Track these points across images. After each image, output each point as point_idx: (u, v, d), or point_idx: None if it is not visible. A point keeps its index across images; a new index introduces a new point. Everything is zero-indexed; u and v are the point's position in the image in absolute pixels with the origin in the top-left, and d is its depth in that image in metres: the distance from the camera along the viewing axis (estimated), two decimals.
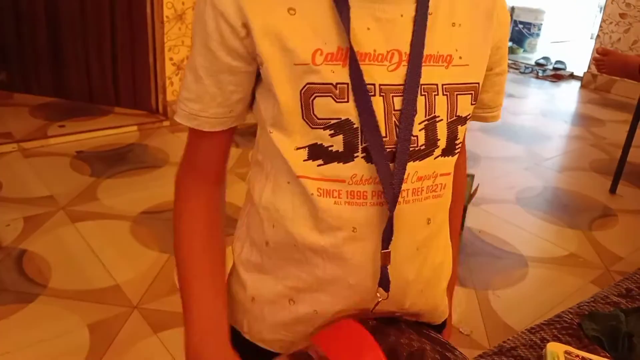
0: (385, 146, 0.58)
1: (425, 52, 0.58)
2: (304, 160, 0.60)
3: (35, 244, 1.89)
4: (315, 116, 0.58)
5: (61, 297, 1.66)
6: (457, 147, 0.63)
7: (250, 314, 0.69)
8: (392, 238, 0.60)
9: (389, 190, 0.59)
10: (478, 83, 0.63)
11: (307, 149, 0.60)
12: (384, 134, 0.58)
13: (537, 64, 5.38)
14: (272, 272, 0.66)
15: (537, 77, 5.17)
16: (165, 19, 2.83)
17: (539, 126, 3.81)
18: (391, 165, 0.59)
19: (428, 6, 0.58)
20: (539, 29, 6.06)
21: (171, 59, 2.95)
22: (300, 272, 0.64)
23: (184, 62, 2.99)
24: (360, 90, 0.57)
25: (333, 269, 0.62)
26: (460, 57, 0.60)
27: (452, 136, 0.61)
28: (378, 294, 0.63)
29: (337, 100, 0.57)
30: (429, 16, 0.58)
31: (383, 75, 0.58)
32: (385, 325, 0.67)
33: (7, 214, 2.00)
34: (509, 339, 0.92)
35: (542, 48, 6.06)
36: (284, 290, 0.65)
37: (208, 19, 0.57)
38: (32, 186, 2.22)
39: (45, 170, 2.38)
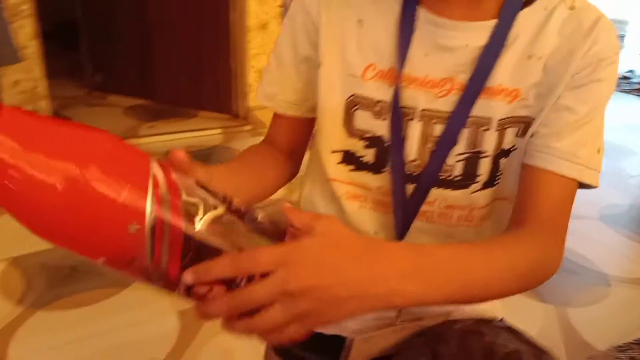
0: (414, 169, 0.60)
1: (487, 84, 0.56)
2: (337, 163, 0.64)
3: None
4: (354, 126, 0.62)
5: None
6: (497, 178, 0.61)
7: None
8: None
9: (398, 212, 0.60)
10: (533, 118, 0.58)
11: (342, 153, 0.63)
12: (414, 158, 0.59)
13: (622, 77, 5.15)
14: None
15: (622, 91, 4.95)
16: (248, 28, 2.95)
17: (623, 141, 3.65)
18: (412, 187, 0.60)
19: (507, 37, 0.56)
20: (623, 41, 5.80)
21: (253, 66, 3.06)
22: None
23: None
24: (396, 113, 0.58)
25: None
26: (528, 93, 0.57)
27: (495, 170, 0.60)
28: None
29: (376, 116, 0.60)
30: (504, 48, 0.56)
31: (429, 100, 0.58)
32: (481, 325, 0.69)
33: None
34: (593, 355, 0.91)
35: (627, 60, 5.79)
36: None
37: (297, 14, 0.63)
38: None
39: None
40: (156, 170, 0.39)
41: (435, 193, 0.60)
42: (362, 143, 0.62)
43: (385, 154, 0.61)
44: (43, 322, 1.58)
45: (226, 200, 0.42)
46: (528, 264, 0.53)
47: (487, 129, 0.58)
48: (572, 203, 0.58)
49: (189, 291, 0.40)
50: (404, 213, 0.60)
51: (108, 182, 0.36)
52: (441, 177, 0.59)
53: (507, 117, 0.57)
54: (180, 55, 3.12)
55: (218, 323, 0.43)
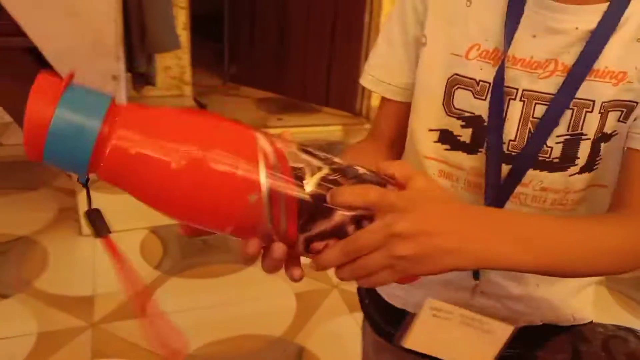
0: (511, 150, 0.59)
1: (594, 66, 0.56)
2: (434, 142, 0.64)
3: None
4: (453, 105, 0.61)
5: None
6: (596, 163, 0.59)
7: None
8: None
9: (490, 193, 0.60)
10: (637, 102, 0.56)
11: (438, 132, 0.63)
12: (513, 137, 0.59)
13: None
14: None
15: None
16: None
17: None
18: (507, 168, 0.59)
19: (619, 20, 0.55)
20: None
21: None
22: None
23: None
24: (497, 93, 0.58)
25: None
26: (634, 75, 0.55)
27: (594, 154, 0.58)
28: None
29: (476, 96, 0.60)
30: (614, 32, 0.55)
31: (531, 81, 0.57)
32: (625, 332, 0.68)
33: None
34: None
35: None
36: None
37: None
38: None
39: None
40: (262, 142, 0.41)
41: (531, 175, 0.59)
42: (459, 122, 0.62)
43: (482, 134, 0.61)
44: (176, 287, 1.74)
45: (328, 161, 0.44)
46: (628, 246, 0.52)
47: (590, 111, 0.56)
48: None
49: (307, 248, 0.44)
50: (497, 194, 0.60)
51: (225, 160, 0.39)
52: (539, 159, 0.59)
53: (612, 100, 0.56)
54: (312, 54, 3.24)
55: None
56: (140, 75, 1.92)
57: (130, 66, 1.88)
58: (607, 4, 0.55)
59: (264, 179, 0.40)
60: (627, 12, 0.54)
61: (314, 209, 0.41)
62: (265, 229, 0.41)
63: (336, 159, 0.45)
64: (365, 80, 0.69)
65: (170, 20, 1.85)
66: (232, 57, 3.44)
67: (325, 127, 3.07)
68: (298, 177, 0.41)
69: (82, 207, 1.89)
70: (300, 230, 0.42)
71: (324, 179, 0.42)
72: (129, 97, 2.06)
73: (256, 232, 0.42)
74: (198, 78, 3.34)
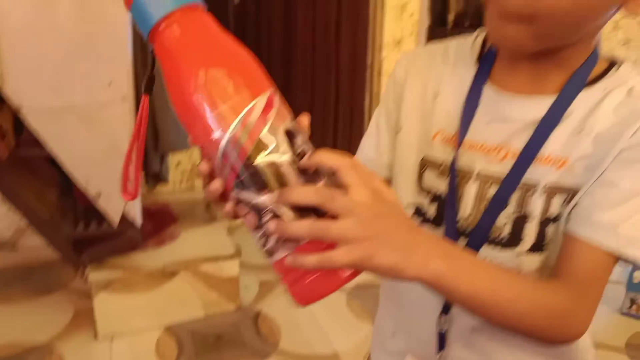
0: (466, 226, 0.64)
1: (539, 152, 0.60)
2: (411, 215, 0.69)
3: (269, 306, 2.14)
4: (423, 184, 0.68)
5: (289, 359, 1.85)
6: (544, 245, 0.62)
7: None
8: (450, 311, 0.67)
9: None
10: (579, 189, 0.60)
11: (414, 206, 0.69)
12: (467, 215, 0.64)
13: None
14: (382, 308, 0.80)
15: None
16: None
17: None
18: (465, 241, 0.64)
19: (564, 111, 0.60)
20: None
21: None
22: (396, 310, 0.75)
23: None
24: (453, 174, 0.64)
25: (408, 312, 0.72)
26: (575, 163, 0.60)
27: (540, 235, 0.62)
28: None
29: (439, 176, 0.67)
30: (560, 122, 0.60)
31: (486, 164, 0.63)
32: None
33: (246, 278, 2.31)
34: None
35: None
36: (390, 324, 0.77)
37: (390, 85, 0.73)
38: None
39: None
40: (260, 101, 0.46)
41: (485, 251, 0.63)
42: (427, 199, 0.68)
43: (444, 210, 0.66)
44: None
45: (298, 155, 0.46)
46: (550, 305, 0.56)
47: (535, 194, 0.61)
48: (607, 276, 0.59)
49: (237, 205, 0.48)
50: None
51: (219, 90, 0.45)
52: (491, 236, 0.63)
53: (554, 184, 0.60)
54: (317, 137, 3.31)
55: None
56: (153, 174, 1.97)
57: (144, 166, 1.94)
58: (555, 96, 0.60)
59: (232, 126, 0.45)
60: (573, 105, 0.60)
61: (251, 178, 0.45)
62: (215, 163, 0.47)
63: (304, 157, 0.47)
64: (358, 158, 0.76)
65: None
66: None
67: None
68: (258, 147, 0.45)
69: (99, 309, 1.90)
70: (234, 186, 0.47)
71: (275, 164, 0.45)
72: (142, 195, 2.12)
73: (211, 161, 0.47)
74: None
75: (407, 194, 0.70)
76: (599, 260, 0.57)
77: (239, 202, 0.47)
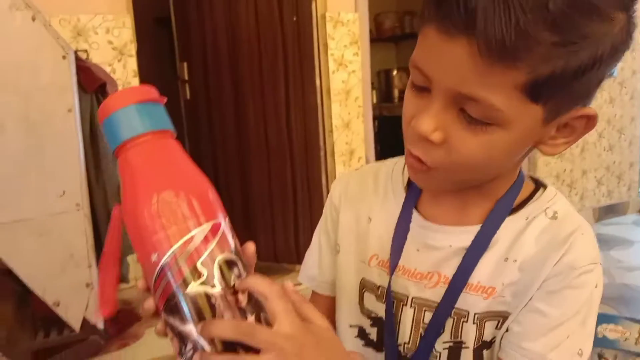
0: (406, 352, 0.65)
1: (468, 280, 0.62)
2: (354, 337, 0.71)
3: None
4: (365, 306, 0.70)
5: None
6: None
7: None
8: None
9: None
10: (510, 313, 0.62)
11: (357, 328, 0.71)
12: (407, 340, 0.65)
13: None
14: None
15: None
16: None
17: None
18: None
19: (490, 240, 0.61)
20: None
21: None
22: None
23: None
24: (389, 299, 0.65)
25: None
26: (503, 291, 0.61)
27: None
28: None
29: (377, 299, 0.68)
30: (485, 251, 0.61)
31: (419, 290, 0.64)
32: None
33: None
34: None
35: None
36: None
37: (328, 206, 0.76)
38: None
39: None
40: (201, 231, 0.46)
41: None
42: (369, 322, 0.69)
43: (384, 334, 0.67)
44: None
45: (229, 287, 0.46)
46: None
47: (466, 321, 0.62)
48: None
49: (168, 327, 0.48)
50: None
51: (164, 216, 0.46)
52: None
53: (485, 312, 0.62)
54: (278, 217, 3.38)
55: None
56: None
57: None
58: (480, 225, 0.62)
59: (167, 255, 0.46)
60: (498, 234, 0.62)
61: (176, 306, 0.46)
62: (149, 285, 0.48)
63: (240, 294, 0.46)
64: (301, 278, 0.78)
65: None
66: None
67: (299, 286, 3.10)
68: (188, 277, 0.45)
69: None
70: (163, 310, 0.47)
71: (203, 295, 0.45)
72: None
73: (149, 282, 0.48)
74: None
75: (349, 316, 0.71)
76: None
77: (167, 325, 0.48)
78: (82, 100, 1.79)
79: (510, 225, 0.62)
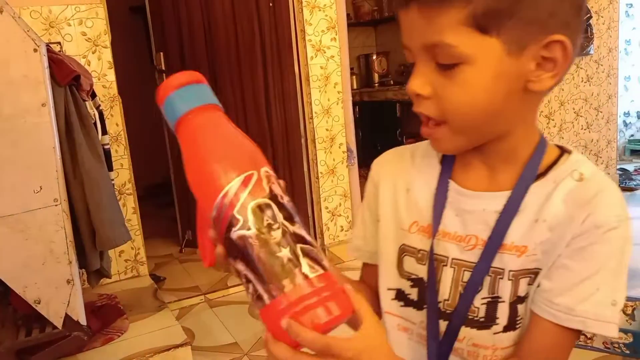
0: (446, 308, 0.70)
1: (503, 241, 0.67)
2: (392, 299, 0.76)
3: None
4: (403, 269, 0.75)
5: None
6: (518, 323, 0.68)
7: None
8: None
9: (431, 343, 0.70)
10: (541, 269, 0.66)
11: (395, 291, 0.76)
12: (447, 297, 0.70)
13: None
14: None
15: None
16: (320, 174, 3.19)
17: None
18: (445, 323, 0.70)
19: (520, 204, 0.66)
20: None
21: (326, 207, 3.26)
22: None
23: (337, 209, 3.29)
24: (431, 260, 0.71)
25: None
26: (534, 249, 0.66)
27: (513, 315, 0.68)
28: None
29: (418, 262, 0.73)
30: (517, 214, 0.66)
31: (458, 252, 0.70)
32: None
33: None
34: None
35: None
36: None
37: (369, 183, 0.82)
38: (219, 334, 2.51)
39: (228, 318, 2.67)
40: (233, 185, 0.53)
41: (464, 331, 0.69)
42: (409, 283, 0.74)
43: (425, 293, 0.72)
44: None
45: (262, 228, 0.53)
46: None
47: (502, 278, 0.67)
48: (569, 350, 0.66)
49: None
50: (439, 347, 0.70)
51: (211, 174, 0.55)
52: (469, 317, 0.69)
53: (519, 270, 0.66)
54: None
55: None
56: (94, 271, 1.96)
57: (84, 265, 1.93)
58: (510, 191, 0.67)
59: (214, 208, 0.54)
60: (527, 198, 0.66)
61: (225, 242, 0.54)
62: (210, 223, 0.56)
63: (293, 230, 0.54)
64: (348, 250, 0.86)
65: (117, 216, 1.94)
66: (185, 223, 3.53)
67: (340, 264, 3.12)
68: (232, 221, 0.53)
69: None
70: (223, 240, 0.55)
71: (244, 237, 0.53)
72: (84, 289, 2.09)
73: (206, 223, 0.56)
74: (154, 248, 3.40)
75: (388, 280, 0.77)
76: (559, 337, 0.65)
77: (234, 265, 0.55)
78: (56, 94, 1.76)
79: (538, 189, 0.66)
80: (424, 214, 0.73)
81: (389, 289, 0.77)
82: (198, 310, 2.77)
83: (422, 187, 0.74)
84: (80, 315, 1.87)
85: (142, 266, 2.78)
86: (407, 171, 0.77)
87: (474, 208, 0.69)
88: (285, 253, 0.52)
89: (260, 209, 0.53)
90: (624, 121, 5.45)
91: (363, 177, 4.79)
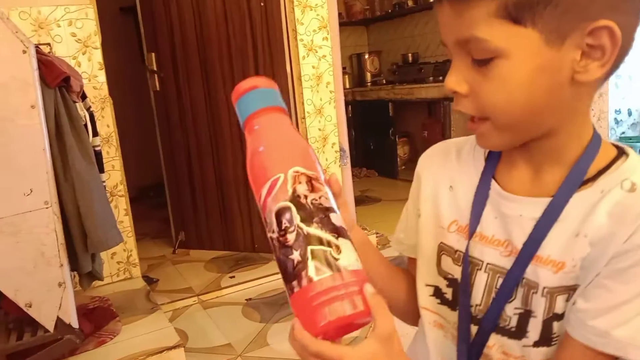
0: (477, 313, 0.68)
1: (538, 252, 0.62)
2: (429, 295, 0.75)
3: None
4: (441, 267, 0.74)
5: None
6: (554, 340, 0.63)
7: None
8: None
9: (462, 346, 0.69)
10: (579, 285, 0.61)
11: (433, 288, 0.75)
12: (478, 302, 0.68)
13: None
14: None
15: None
16: None
17: None
18: (475, 328, 0.68)
19: (560, 214, 0.61)
20: None
21: None
22: None
23: None
24: (466, 262, 0.69)
25: None
26: (573, 266, 0.60)
27: (546, 331, 0.63)
28: None
29: (454, 262, 0.72)
30: (556, 223, 0.61)
31: (494, 257, 0.67)
32: None
33: None
34: None
35: None
36: None
37: (415, 178, 0.80)
38: (212, 335, 2.50)
39: (221, 319, 2.67)
40: (264, 190, 0.57)
41: (494, 338, 0.67)
42: (445, 282, 0.73)
43: (459, 294, 0.71)
44: None
45: (281, 231, 0.55)
46: None
47: (536, 293, 0.63)
48: None
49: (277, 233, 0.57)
50: (468, 350, 0.68)
51: (261, 173, 0.59)
52: (500, 325, 0.66)
53: (555, 287, 0.61)
54: (254, 206, 3.36)
55: None
56: (86, 274, 1.94)
57: (76, 267, 1.92)
58: (550, 198, 0.62)
59: (265, 187, 0.58)
60: (569, 207, 0.61)
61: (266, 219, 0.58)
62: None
63: (307, 231, 0.55)
64: (392, 243, 0.87)
65: (109, 218, 1.93)
66: (178, 224, 3.52)
67: (278, 274, 3.10)
68: (265, 224, 0.57)
69: None
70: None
71: (270, 239, 0.57)
72: (76, 292, 2.07)
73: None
74: (147, 250, 3.38)
75: (426, 276, 0.76)
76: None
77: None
78: (46, 96, 1.74)
79: (583, 198, 0.61)
80: (464, 213, 0.71)
81: (427, 285, 0.76)
82: (191, 312, 2.76)
83: (465, 184, 0.72)
84: (72, 318, 1.85)
85: (134, 268, 2.76)
86: (452, 167, 0.75)
87: (512, 212, 0.66)
88: (295, 256, 0.54)
89: (279, 213, 0.56)
90: (615, 118, 5.48)
91: (356, 176, 4.79)
